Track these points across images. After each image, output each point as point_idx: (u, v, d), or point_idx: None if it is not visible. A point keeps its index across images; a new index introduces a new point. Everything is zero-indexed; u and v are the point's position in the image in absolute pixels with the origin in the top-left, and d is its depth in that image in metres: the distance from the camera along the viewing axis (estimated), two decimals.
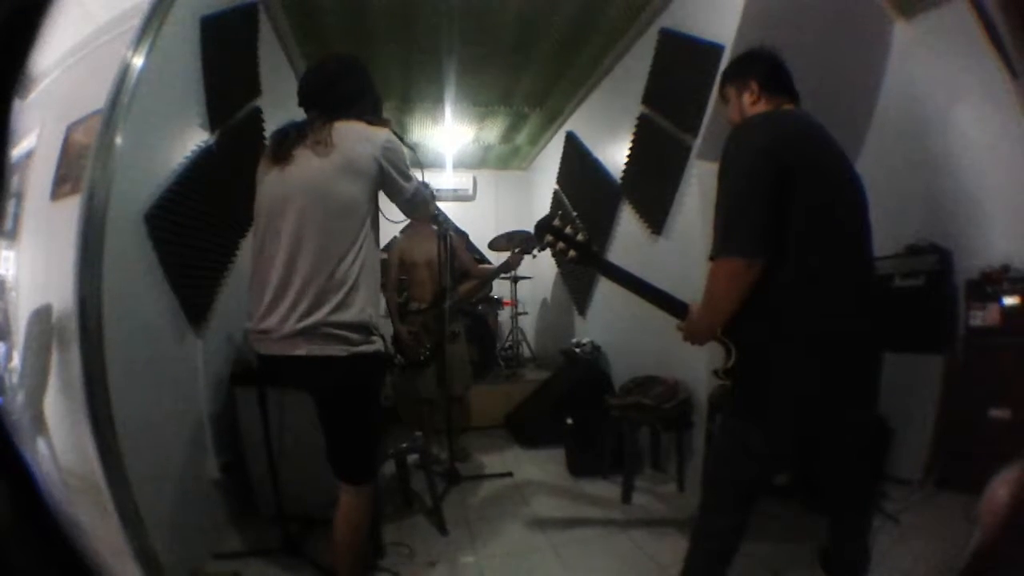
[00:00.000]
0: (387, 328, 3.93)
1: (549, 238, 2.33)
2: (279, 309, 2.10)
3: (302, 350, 2.08)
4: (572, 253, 2.31)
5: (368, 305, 2.17)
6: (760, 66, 2.22)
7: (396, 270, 4.42)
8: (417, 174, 2.39)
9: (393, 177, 2.22)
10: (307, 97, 2.31)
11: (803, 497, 2.98)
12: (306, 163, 2.14)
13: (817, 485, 2.69)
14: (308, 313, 2.06)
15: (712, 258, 1.97)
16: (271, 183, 2.20)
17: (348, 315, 2.10)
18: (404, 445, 3.48)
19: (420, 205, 2.43)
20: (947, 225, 3.24)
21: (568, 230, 2.32)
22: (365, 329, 2.15)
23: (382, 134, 2.23)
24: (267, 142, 2.34)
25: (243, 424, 3.22)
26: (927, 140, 3.33)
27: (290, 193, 2.14)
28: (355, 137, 2.17)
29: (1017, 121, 1.74)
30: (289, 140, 2.20)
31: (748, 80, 2.20)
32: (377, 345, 2.21)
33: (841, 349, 1.91)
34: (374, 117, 2.33)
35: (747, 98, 2.20)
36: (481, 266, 5.08)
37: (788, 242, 1.87)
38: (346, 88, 2.30)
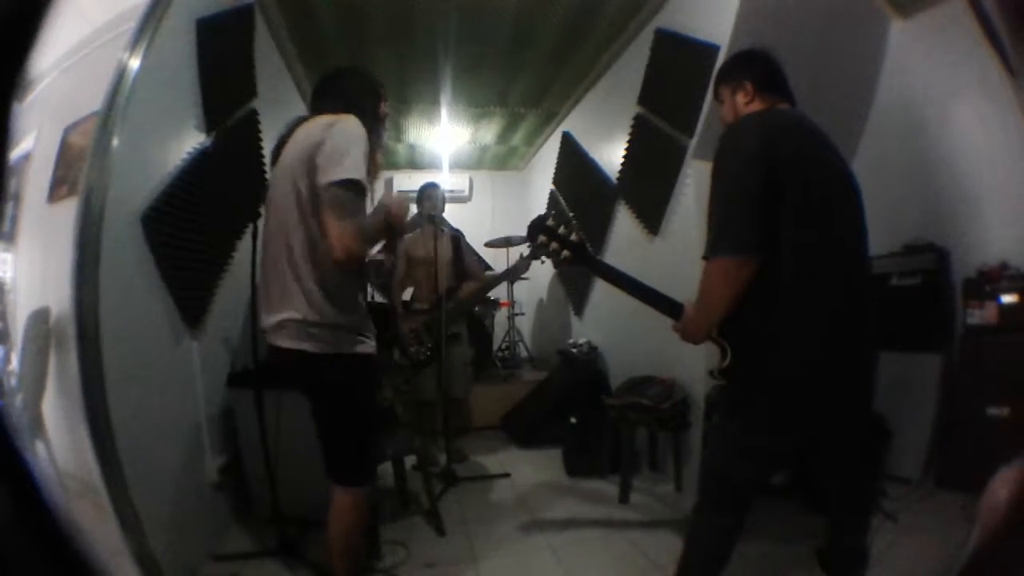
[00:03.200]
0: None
1: (542, 238, 2.31)
2: (267, 304, 2.18)
3: (286, 343, 2.11)
4: (566, 253, 2.30)
5: (353, 305, 2.19)
6: (755, 66, 2.22)
7: (401, 268, 4.41)
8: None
9: (323, 151, 2.02)
10: (312, 100, 2.37)
11: (801, 497, 2.99)
12: (283, 159, 2.17)
13: (815, 484, 2.69)
14: (282, 310, 2.10)
15: (705, 257, 1.97)
16: (272, 178, 2.25)
17: (331, 315, 2.09)
18: (400, 446, 3.48)
19: (334, 206, 2.01)
20: (945, 224, 3.25)
21: (562, 230, 2.31)
22: (352, 329, 2.16)
23: (340, 117, 2.10)
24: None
25: (240, 426, 3.23)
26: (924, 139, 3.34)
27: (272, 190, 2.20)
28: (313, 124, 2.13)
29: (1015, 120, 1.74)
30: (279, 144, 2.25)
31: (743, 80, 2.20)
32: (367, 347, 2.21)
33: (837, 348, 1.91)
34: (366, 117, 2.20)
35: (741, 98, 2.19)
36: (487, 273, 5.07)
37: (782, 241, 1.87)
38: (344, 84, 2.33)
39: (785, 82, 2.19)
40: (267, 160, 2.31)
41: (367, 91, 2.37)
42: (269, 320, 2.15)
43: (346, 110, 2.15)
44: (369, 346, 2.22)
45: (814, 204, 1.90)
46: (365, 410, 2.30)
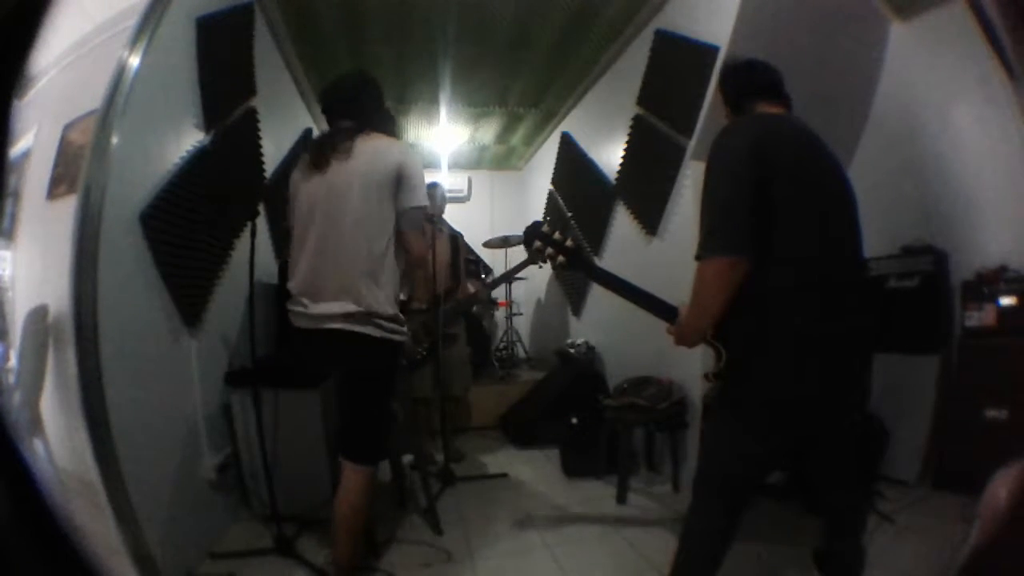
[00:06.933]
0: None
1: (538, 244, 2.34)
2: (324, 298, 2.38)
3: (339, 324, 2.36)
4: (561, 259, 2.32)
5: (395, 298, 2.46)
6: (730, 81, 2.27)
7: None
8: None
9: (407, 182, 2.43)
10: (331, 109, 2.59)
11: (798, 497, 2.99)
12: (339, 170, 2.40)
13: (811, 485, 2.69)
14: (355, 302, 2.34)
15: (697, 258, 1.96)
16: (312, 185, 2.46)
17: (386, 307, 2.39)
18: (399, 445, 3.48)
19: (416, 225, 2.54)
20: (943, 226, 3.26)
21: (556, 235, 2.33)
22: (398, 320, 2.45)
23: (402, 143, 2.61)
24: (308, 150, 2.59)
25: (237, 424, 3.23)
26: (923, 141, 3.34)
27: (328, 196, 2.40)
28: (380, 146, 2.44)
29: (1014, 122, 1.74)
30: (326, 149, 2.45)
31: (723, 95, 2.25)
32: (405, 336, 2.51)
33: (830, 349, 1.90)
34: (390, 130, 2.62)
35: (725, 113, 2.25)
36: (462, 287, 4.99)
37: (775, 242, 1.86)
38: (366, 101, 2.59)
39: (780, 87, 2.19)
40: (297, 162, 2.62)
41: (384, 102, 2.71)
42: (325, 307, 2.37)
43: (384, 124, 2.60)
44: (405, 335, 2.54)
45: (805, 204, 1.90)
46: (393, 393, 2.64)
